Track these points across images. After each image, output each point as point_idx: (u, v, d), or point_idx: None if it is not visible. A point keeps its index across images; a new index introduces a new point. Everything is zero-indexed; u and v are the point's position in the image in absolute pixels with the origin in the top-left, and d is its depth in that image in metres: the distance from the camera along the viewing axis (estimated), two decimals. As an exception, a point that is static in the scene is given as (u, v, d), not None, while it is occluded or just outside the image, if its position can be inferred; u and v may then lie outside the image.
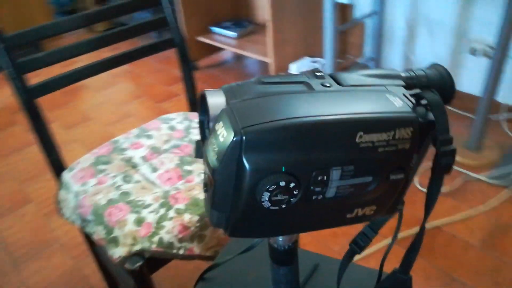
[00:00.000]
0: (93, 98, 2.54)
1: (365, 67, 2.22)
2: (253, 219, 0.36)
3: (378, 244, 1.33)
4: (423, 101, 0.39)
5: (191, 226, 0.85)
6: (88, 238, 1.11)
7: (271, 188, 0.33)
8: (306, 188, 0.35)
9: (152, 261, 0.85)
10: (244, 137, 0.32)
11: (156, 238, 0.82)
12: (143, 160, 1.04)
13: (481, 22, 1.75)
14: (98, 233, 0.88)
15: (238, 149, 0.32)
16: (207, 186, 0.36)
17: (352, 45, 2.28)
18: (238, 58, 2.84)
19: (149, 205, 0.88)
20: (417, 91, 0.40)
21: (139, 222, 0.84)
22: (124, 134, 1.14)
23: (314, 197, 0.36)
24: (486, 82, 1.52)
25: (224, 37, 2.52)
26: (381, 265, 0.50)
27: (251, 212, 0.35)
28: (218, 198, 0.35)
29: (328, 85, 0.39)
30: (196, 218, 0.86)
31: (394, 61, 2.14)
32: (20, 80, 0.93)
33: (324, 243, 1.38)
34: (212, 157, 0.34)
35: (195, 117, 1.19)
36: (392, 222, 0.47)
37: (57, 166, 1.04)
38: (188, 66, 1.20)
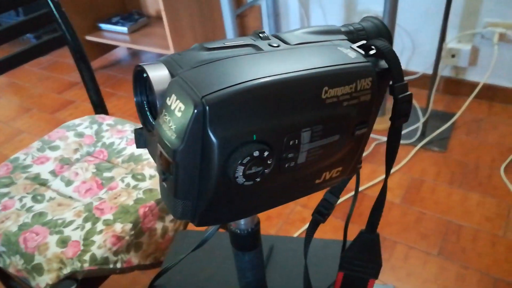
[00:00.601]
0: (-28, 120, 2.21)
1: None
2: (224, 202, 0.32)
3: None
4: (371, 52, 0.38)
5: (124, 235, 0.77)
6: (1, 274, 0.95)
7: (244, 161, 0.29)
8: (278, 156, 0.32)
9: (87, 282, 0.75)
10: (207, 107, 0.27)
11: (87, 256, 0.72)
12: (52, 175, 0.92)
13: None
14: (15, 264, 0.75)
15: (202, 121, 0.28)
16: (165, 173, 0.31)
17: (251, 29, 2.28)
18: (134, 54, 2.68)
19: (71, 222, 0.78)
20: (363, 42, 0.39)
21: (64, 242, 0.74)
22: (24, 150, 0.99)
23: (286, 165, 0.33)
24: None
25: (115, 33, 2.34)
26: (345, 231, 0.49)
27: (223, 193, 0.31)
28: (182, 184, 0.30)
29: (275, 45, 0.36)
30: (129, 226, 0.78)
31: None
32: None
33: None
34: (170, 136, 0.29)
35: (104, 119, 1.08)
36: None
37: None
38: (86, 64, 1.09)
